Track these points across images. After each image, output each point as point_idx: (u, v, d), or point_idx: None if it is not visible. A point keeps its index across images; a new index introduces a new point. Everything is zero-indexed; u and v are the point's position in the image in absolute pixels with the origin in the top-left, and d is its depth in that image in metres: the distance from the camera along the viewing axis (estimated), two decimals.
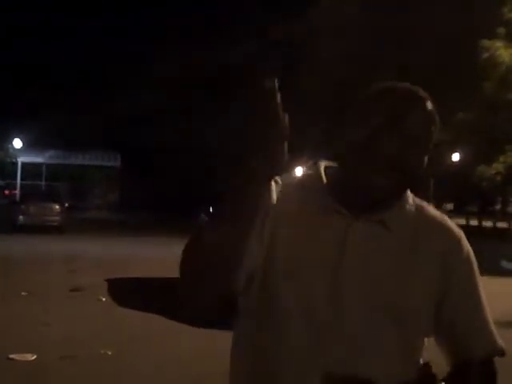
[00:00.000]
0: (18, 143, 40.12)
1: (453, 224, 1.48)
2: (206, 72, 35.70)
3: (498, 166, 24.77)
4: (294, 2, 32.79)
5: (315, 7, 30.70)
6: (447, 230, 1.46)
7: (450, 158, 33.58)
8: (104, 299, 9.70)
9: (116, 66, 42.25)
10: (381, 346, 1.37)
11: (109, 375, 5.84)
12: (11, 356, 6.19)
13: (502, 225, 39.39)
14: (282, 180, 1.46)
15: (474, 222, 42.35)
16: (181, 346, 6.98)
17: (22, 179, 41.76)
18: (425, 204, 1.49)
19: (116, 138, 41.15)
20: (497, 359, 1.49)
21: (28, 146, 40.09)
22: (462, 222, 42.87)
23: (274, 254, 1.39)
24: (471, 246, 1.48)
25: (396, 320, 1.37)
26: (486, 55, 24.18)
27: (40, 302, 9.23)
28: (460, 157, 31.70)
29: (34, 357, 6.24)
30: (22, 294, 9.77)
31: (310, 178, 1.50)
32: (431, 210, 1.49)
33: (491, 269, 14.60)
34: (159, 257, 15.60)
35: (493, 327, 1.47)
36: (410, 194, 1.48)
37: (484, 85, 24.44)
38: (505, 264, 16.86)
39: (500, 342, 1.47)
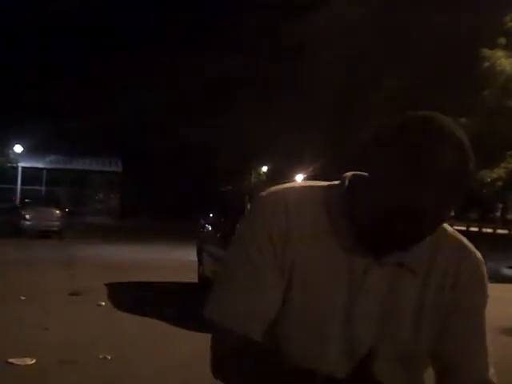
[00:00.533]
0: (18, 148, 40.15)
1: (472, 247, 1.40)
2: (206, 75, 35.74)
3: (499, 171, 24.83)
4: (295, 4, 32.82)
5: (317, 9, 30.76)
6: (465, 257, 1.39)
7: None
8: (103, 304, 9.68)
9: (116, 72, 42.27)
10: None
11: (108, 380, 5.82)
12: (10, 360, 6.17)
13: (502, 231, 39.39)
14: (295, 196, 1.36)
15: (474, 229, 42.28)
16: (180, 349, 6.97)
17: (22, 184, 41.75)
18: (447, 228, 1.40)
19: (117, 143, 41.17)
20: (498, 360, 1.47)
21: (28, 151, 40.12)
22: (463, 228, 42.84)
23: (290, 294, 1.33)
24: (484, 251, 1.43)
25: (406, 362, 1.36)
26: (486, 64, 24.31)
27: (39, 306, 9.22)
28: None
29: (33, 361, 6.22)
30: (21, 298, 9.75)
31: (332, 196, 1.35)
32: (450, 232, 1.40)
33: (492, 275, 14.62)
34: (159, 262, 15.61)
35: (489, 361, 1.41)
36: None
37: (485, 93, 24.56)
38: (505, 271, 16.86)
39: (492, 378, 1.41)
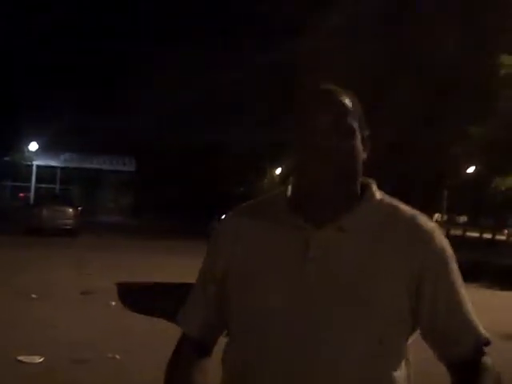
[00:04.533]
0: (33, 146, 40.38)
1: (425, 219, 1.45)
2: (220, 74, 35.69)
3: None
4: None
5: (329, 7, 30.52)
6: (416, 226, 1.42)
7: (466, 170, 33.46)
8: (114, 303, 9.69)
9: (131, 71, 42.42)
10: (346, 347, 1.34)
11: (116, 379, 5.82)
12: (19, 358, 6.20)
13: None
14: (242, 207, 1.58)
15: (487, 236, 42.05)
16: None
17: (36, 182, 42.00)
18: (397, 203, 1.47)
19: (130, 142, 41.31)
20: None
21: (43, 149, 40.33)
22: (476, 234, 42.66)
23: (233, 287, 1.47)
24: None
25: (360, 325, 1.35)
26: (503, 72, 23.92)
27: (50, 304, 9.26)
28: (475, 170, 31.59)
29: (42, 359, 6.24)
30: (33, 296, 9.79)
31: (276, 196, 1.53)
32: (403, 208, 1.46)
33: (507, 283, 14.54)
34: (170, 261, 15.61)
35: (475, 319, 1.43)
36: (376, 195, 1.47)
37: (501, 100, 24.18)
38: None
39: (484, 332, 1.43)
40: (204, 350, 1.57)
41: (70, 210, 24.06)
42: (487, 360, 1.42)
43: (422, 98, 28.30)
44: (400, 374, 1.39)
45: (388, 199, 1.48)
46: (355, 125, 1.42)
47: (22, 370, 5.90)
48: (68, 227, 23.56)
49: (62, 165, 43.45)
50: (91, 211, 36.81)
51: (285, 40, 32.02)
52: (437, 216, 42.71)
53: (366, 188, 1.47)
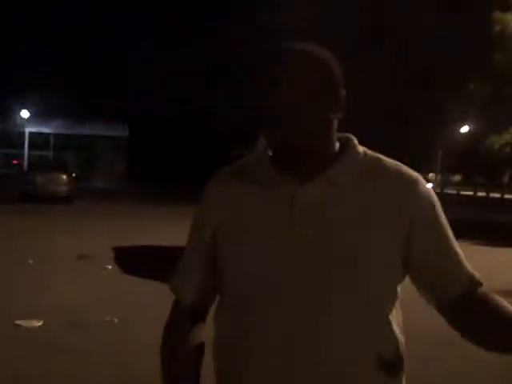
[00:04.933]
0: (25, 113, 40.08)
1: (407, 168, 1.45)
2: (217, 42, 35.38)
3: (508, 137, 24.60)
4: None
5: None
6: (401, 175, 1.43)
7: (460, 129, 33.43)
8: (110, 267, 9.74)
9: (125, 36, 41.94)
10: (341, 306, 1.34)
11: (113, 343, 5.86)
12: (17, 322, 6.24)
13: (509, 196, 39.29)
14: (223, 169, 1.56)
15: (481, 194, 42.23)
16: None
17: (29, 149, 41.77)
18: (380, 155, 1.47)
19: (124, 108, 41.05)
20: None
21: (35, 116, 40.04)
22: (470, 193, 42.85)
23: (226, 249, 1.46)
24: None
25: (352, 273, 1.35)
26: (497, 28, 23.75)
27: (47, 269, 9.29)
28: (470, 128, 31.57)
29: (41, 323, 6.29)
30: (29, 261, 9.82)
31: (259, 155, 1.52)
32: (385, 159, 1.46)
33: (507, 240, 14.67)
34: (165, 226, 15.66)
35: (465, 262, 1.45)
36: (358, 148, 1.47)
37: (495, 57, 24.07)
38: None
39: (476, 273, 1.45)
40: (198, 315, 1.57)
41: (64, 176, 23.97)
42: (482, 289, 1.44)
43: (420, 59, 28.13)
44: (394, 320, 1.41)
45: (370, 152, 1.48)
46: (318, 87, 1.36)
47: (20, 333, 5.95)
48: (62, 194, 23.50)
49: (55, 131, 43.16)
50: (85, 177, 36.76)
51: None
52: (431, 176, 42.81)
53: (346, 143, 1.47)
